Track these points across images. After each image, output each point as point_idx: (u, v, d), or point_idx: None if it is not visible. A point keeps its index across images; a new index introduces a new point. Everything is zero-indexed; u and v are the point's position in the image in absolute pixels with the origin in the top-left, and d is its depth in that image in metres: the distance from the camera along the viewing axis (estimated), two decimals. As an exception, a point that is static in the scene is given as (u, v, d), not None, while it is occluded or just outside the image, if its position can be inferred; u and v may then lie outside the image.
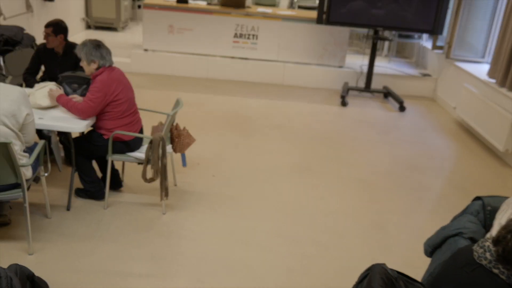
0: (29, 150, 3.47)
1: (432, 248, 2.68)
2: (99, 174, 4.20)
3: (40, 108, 3.79)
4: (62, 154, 4.67)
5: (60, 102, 3.75)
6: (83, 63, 3.78)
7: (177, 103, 4.09)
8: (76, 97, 3.91)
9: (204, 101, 6.97)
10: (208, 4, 8.25)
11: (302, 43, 8.05)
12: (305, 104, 7.23)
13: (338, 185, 4.82)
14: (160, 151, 3.81)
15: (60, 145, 4.58)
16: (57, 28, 4.50)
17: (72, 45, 4.62)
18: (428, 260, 2.82)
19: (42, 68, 4.81)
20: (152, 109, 6.47)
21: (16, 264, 2.04)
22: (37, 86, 3.99)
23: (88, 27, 9.49)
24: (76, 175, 4.03)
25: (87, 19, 9.36)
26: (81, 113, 3.70)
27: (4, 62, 5.27)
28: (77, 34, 8.95)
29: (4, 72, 4.73)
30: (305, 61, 8.14)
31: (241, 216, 4.12)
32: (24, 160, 3.26)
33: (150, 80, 7.75)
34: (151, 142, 3.78)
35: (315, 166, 5.19)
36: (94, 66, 3.76)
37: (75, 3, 8.77)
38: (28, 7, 7.02)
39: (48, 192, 4.07)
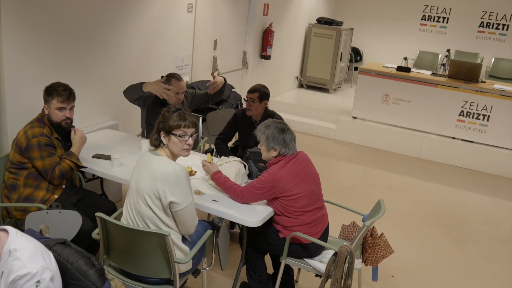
0: (196, 236, 2.95)
1: None
2: (270, 269, 3.52)
3: (215, 187, 3.30)
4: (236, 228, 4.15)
5: (215, 179, 3.21)
6: (261, 147, 3.20)
7: (378, 208, 3.20)
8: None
9: (412, 187, 5.90)
10: (433, 74, 7.21)
11: (550, 132, 6.39)
12: (546, 213, 5.58)
13: None
14: (346, 266, 2.95)
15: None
16: (263, 94, 4.07)
17: (271, 114, 4.15)
18: None
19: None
20: (349, 187, 5.70)
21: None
22: (221, 159, 3.55)
23: (301, 85, 9.27)
24: (244, 268, 3.42)
25: (300, 77, 9.15)
26: (238, 197, 3.11)
27: (205, 121, 5.10)
28: (288, 92, 8.77)
29: (201, 134, 4.49)
30: (551, 154, 6.44)
31: None
32: (181, 255, 2.74)
33: (354, 151, 7.00)
34: (335, 254, 2.95)
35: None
36: (274, 153, 3.15)
37: (291, 61, 8.63)
38: (244, 63, 6.99)
39: (209, 278, 3.54)
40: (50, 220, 2.99)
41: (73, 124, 3.36)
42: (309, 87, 9.23)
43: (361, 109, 7.29)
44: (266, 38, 7.15)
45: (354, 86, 7.70)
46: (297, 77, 9.09)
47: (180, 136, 2.74)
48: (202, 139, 4.64)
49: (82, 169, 3.47)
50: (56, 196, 3.22)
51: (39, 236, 2.39)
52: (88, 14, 4.06)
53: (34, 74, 3.69)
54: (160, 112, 4.20)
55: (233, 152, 4.47)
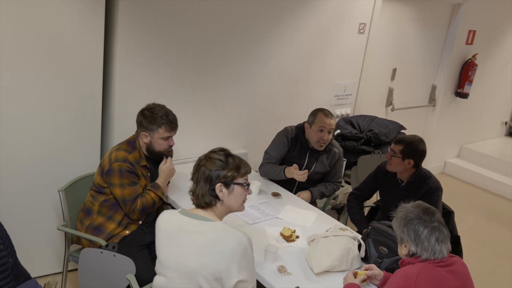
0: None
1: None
2: None
3: (311, 268, 2.41)
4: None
5: None
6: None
7: None
8: (375, 270, 2.33)
9: None
10: None
11: None
12: None
13: None
14: None
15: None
16: (409, 150, 3.02)
17: (423, 177, 3.06)
18: None
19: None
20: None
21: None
22: (334, 229, 2.64)
23: (509, 133, 7.49)
24: None
25: (510, 124, 7.38)
26: None
27: (355, 164, 4.18)
28: (490, 140, 7.13)
29: (340, 180, 3.59)
30: None
31: None
32: None
33: None
34: None
35: None
36: (404, 250, 2.11)
37: (499, 103, 6.96)
38: (431, 100, 5.78)
39: None
40: (103, 262, 2.52)
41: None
42: (521, 137, 7.41)
43: None
44: (465, 72, 5.79)
45: None
46: (506, 123, 7.35)
47: (245, 185, 2.06)
48: (342, 187, 3.75)
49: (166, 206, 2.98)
50: (127, 232, 2.75)
51: (36, 294, 1.90)
52: (227, 24, 3.54)
53: (151, 88, 3.32)
54: (296, 157, 3.53)
55: (371, 213, 3.49)
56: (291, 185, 3.44)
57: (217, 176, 1.98)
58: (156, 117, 2.73)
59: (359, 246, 2.54)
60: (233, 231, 1.93)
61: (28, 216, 3.08)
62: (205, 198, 1.98)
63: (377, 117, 4.69)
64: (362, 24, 4.46)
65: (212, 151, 2.07)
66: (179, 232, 1.96)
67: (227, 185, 2.00)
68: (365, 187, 3.36)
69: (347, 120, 4.55)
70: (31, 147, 2.96)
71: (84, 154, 3.15)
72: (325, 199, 3.68)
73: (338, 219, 3.49)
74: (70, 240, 2.83)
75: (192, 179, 2.04)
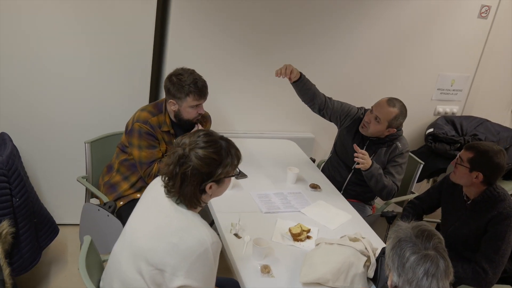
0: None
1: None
2: None
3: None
4: None
5: None
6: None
7: None
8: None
9: None
10: None
11: None
12: None
13: None
14: None
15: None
16: (480, 159, 2.38)
17: (496, 198, 2.40)
18: None
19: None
20: None
21: None
22: (342, 239, 2.20)
23: None
24: None
25: None
26: None
27: (443, 171, 3.55)
28: None
29: (396, 181, 2.98)
30: None
31: None
32: None
33: None
34: None
35: None
36: (389, 280, 1.62)
37: None
38: None
39: None
40: (98, 219, 2.47)
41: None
42: None
43: None
44: None
45: None
46: None
47: (236, 173, 1.81)
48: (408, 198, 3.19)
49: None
50: (138, 195, 2.64)
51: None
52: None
53: (206, 55, 3.15)
54: (351, 141, 3.04)
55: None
56: (343, 179, 3.01)
57: (210, 176, 1.68)
58: (184, 85, 2.53)
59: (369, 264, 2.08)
60: (199, 228, 1.64)
61: (60, 165, 3.16)
62: (192, 200, 1.70)
63: (489, 120, 3.90)
64: (485, 7, 3.69)
65: (198, 146, 1.67)
66: (152, 206, 1.76)
67: (218, 181, 1.72)
68: (427, 198, 2.78)
69: (449, 120, 3.86)
70: (79, 99, 3.03)
71: (130, 112, 3.11)
72: (383, 204, 3.16)
73: (387, 230, 2.95)
74: (91, 193, 2.83)
75: (169, 168, 1.67)
